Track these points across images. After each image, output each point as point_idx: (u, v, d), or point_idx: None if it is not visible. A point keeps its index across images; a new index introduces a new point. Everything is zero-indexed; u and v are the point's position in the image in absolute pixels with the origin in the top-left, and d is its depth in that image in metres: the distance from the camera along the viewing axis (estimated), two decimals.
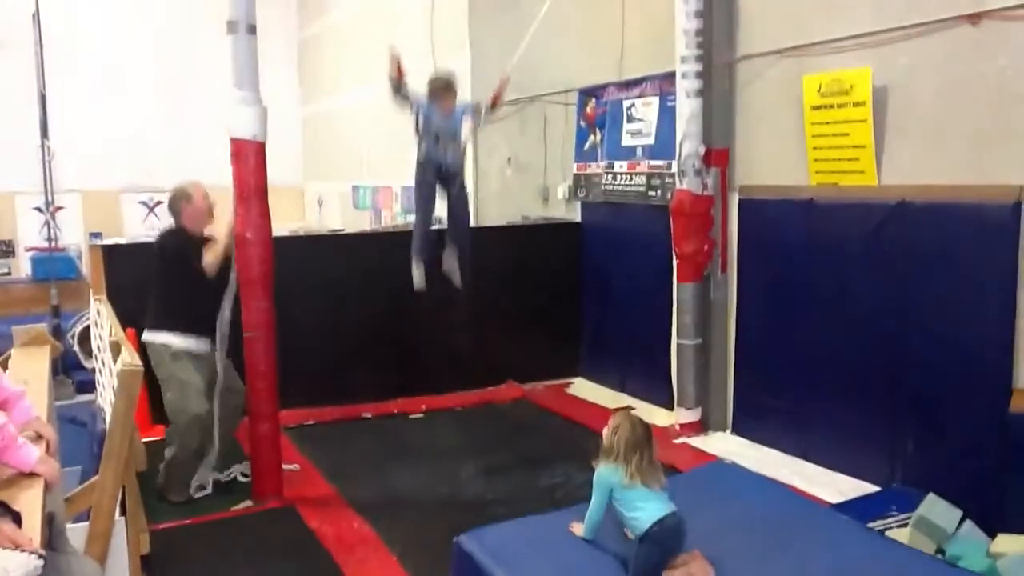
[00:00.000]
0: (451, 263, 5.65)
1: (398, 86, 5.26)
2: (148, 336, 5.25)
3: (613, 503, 3.61)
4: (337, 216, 14.16)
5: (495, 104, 5.61)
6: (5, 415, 2.56)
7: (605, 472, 3.62)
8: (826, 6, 5.41)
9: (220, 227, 5.24)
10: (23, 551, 2.05)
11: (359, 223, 12.78)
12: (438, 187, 5.51)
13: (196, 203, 5.29)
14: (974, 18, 4.50)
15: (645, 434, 3.65)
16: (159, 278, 5.30)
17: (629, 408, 6.90)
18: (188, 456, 5.23)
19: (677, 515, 3.48)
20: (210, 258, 5.10)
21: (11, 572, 1.96)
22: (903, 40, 4.89)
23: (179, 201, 5.31)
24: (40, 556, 2.06)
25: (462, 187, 5.62)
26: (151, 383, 5.13)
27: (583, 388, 7.64)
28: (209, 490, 5.31)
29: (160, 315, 5.24)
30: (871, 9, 5.08)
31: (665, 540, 3.46)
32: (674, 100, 6.30)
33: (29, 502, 2.36)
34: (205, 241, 5.22)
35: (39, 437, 2.76)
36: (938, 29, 4.70)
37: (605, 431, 3.70)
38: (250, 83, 5.03)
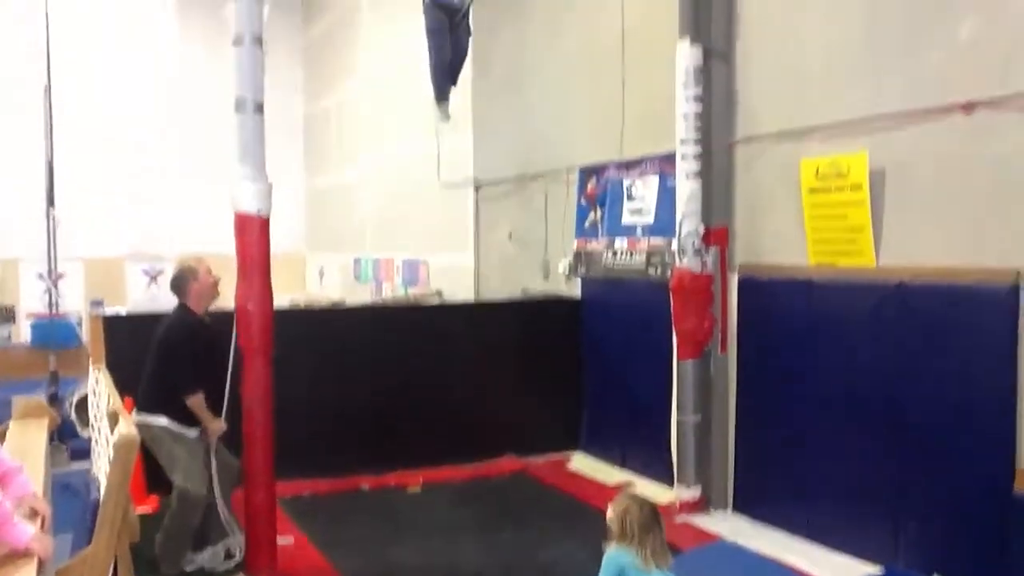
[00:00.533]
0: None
1: None
2: (147, 418, 5.11)
3: None
4: (338, 287, 14.24)
5: None
6: (1, 492, 2.55)
7: (617, 555, 3.61)
8: (823, 91, 5.54)
9: None
10: None
11: (360, 295, 12.85)
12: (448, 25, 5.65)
13: (202, 280, 5.25)
14: (967, 108, 4.60)
15: (654, 515, 3.66)
16: (159, 363, 5.20)
17: (630, 485, 6.86)
18: (187, 532, 5.15)
19: None
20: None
21: None
22: (898, 127, 4.99)
23: (185, 280, 5.25)
24: None
25: (467, 26, 5.79)
26: (146, 454, 5.10)
27: (583, 463, 7.58)
28: (238, 558, 5.22)
29: (159, 400, 5.15)
30: (867, 95, 5.20)
31: None
32: (674, 180, 6.39)
33: None
34: (209, 327, 5.19)
35: (34, 513, 2.74)
36: (932, 117, 4.80)
37: (611, 512, 3.68)
38: (256, 160, 5.09)
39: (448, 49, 5.69)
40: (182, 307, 5.28)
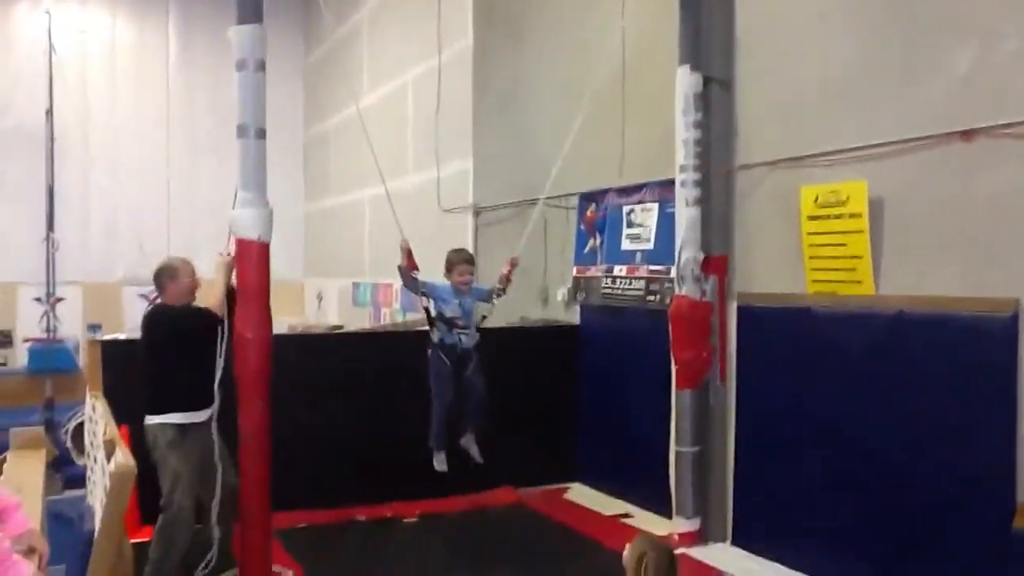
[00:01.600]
0: (468, 441, 5.54)
1: (409, 277, 5.30)
2: (147, 420, 5.17)
3: None
4: (336, 312, 14.21)
5: (505, 284, 5.53)
6: (0, 530, 2.52)
7: None
8: (823, 119, 5.54)
9: (217, 275, 5.20)
10: None
11: (358, 320, 12.82)
12: (452, 371, 5.38)
13: (181, 282, 5.27)
14: (967, 135, 4.60)
15: (671, 562, 3.63)
16: (148, 360, 5.22)
17: (629, 516, 6.82)
18: (174, 556, 5.08)
19: None
20: (212, 301, 5.10)
21: None
22: (898, 155, 5.00)
23: (164, 276, 5.28)
24: None
25: (476, 368, 5.47)
26: (142, 482, 5.04)
27: (580, 494, 7.52)
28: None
29: (153, 397, 5.17)
30: (866, 123, 5.20)
31: None
32: (673, 207, 6.39)
33: None
34: (190, 311, 5.21)
35: (32, 550, 2.71)
36: (932, 145, 4.80)
37: (627, 554, 3.66)
38: (257, 186, 5.07)
39: (451, 394, 5.40)
40: (159, 304, 5.33)
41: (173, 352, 5.16)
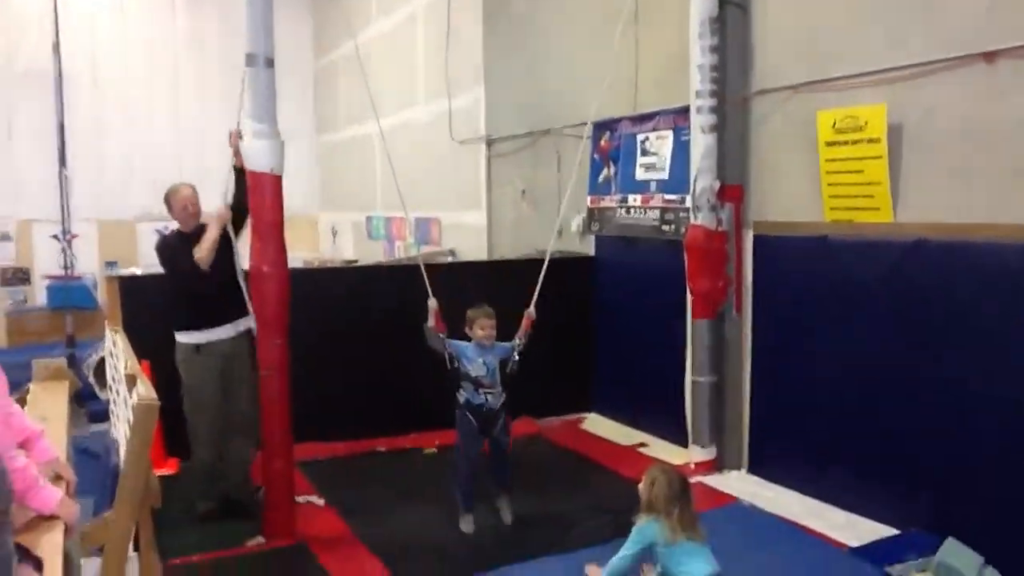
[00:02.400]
0: (502, 502, 5.45)
1: (436, 336, 5.25)
2: (176, 336, 5.50)
3: (657, 558, 3.70)
4: (351, 246, 14.22)
5: (525, 338, 5.44)
6: (26, 456, 2.55)
7: (645, 527, 3.72)
8: (841, 42, 5.42)
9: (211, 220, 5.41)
10: None
11: (373, 253, 12.83)
12: (479, 431, 5.32)
13: (176, 204, 5.51)
14: (989, 57, 4.50)
15: (683, 487, 3.73)
16: (168, 282, 5.58)
17: (645, 446, 6.89)
18: (202, 465, 5.53)
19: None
20: (200, 253, 5.26)
21: None
22: (918, 77, 4.89)
23: (166, 201, 5.56)
24: None
25: (503, 428, 5.39)
26: (166, 415, 5.13)
27: (597, 424, 7.59)
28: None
29: (178, 316, 5.50)
30: (886, 46, 5.08)
31: None
32: (688, 135, 6.31)
33: (50, 547, 2.33)
34: (200, 235, 5.41)
35: (58, 478, 2.75)
36: (953, 67, 4.70)
37: (642, 484, 3.74)
38: (268, 116, 5.06)
39: (476, 452, 5.30)
40: (163, 234, 5.77)
41: (170, 278, 5.53)
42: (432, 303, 5.28)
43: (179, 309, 5.48)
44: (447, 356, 5.23)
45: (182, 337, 5.45)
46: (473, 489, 5.30)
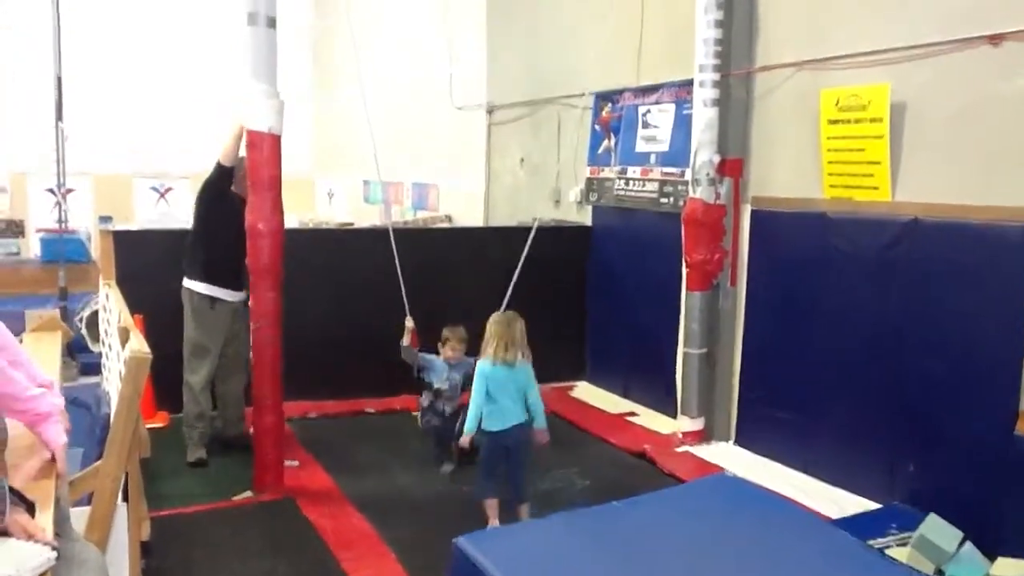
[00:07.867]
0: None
1: (410, 351, 5.76)
2: (185, 283, 5.66)
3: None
4: (347, 209, 14.17)
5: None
6: (49, 391, 2.60)
7: (480, 365, 4.69)
8: (846, 20, 5.40)
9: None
10: (37, 542, 2.01)
11: (369, 217, 12.79)
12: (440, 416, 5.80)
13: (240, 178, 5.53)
14: (995, 39, 4.48)
15: (506, 321, 4.74)
16: (195, 224, 5.74)
17: (634, 415, 6.92)
18: (195, 409, 5.71)
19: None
20: (221, 148, 5.45)
21: (26, 564, 1.92)
22: (922, 58, 4.88)
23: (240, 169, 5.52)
24: (54, 548, 2.02)
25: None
26: (157, 369, 5.14)
27: (586, 392, 7.63)
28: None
29: (198, 265, 5.64)
30: (891, 25, 5.07)
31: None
32: (690, 108, 6.28)
33: (43, 492, 2.34)
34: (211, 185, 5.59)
35: None
36: (958, 48, 4.68)
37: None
38: (268, 76, 5.04)
39: (432, 426, 5.88)
40: (222, 171, 5.60)
41: (202, 220, 5.65)
42: (409, 323, 5.84)
43: (204, 259, 5.59)
44: (416, 367, 5.77)
45: (200, 287, 5.60)
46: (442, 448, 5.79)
